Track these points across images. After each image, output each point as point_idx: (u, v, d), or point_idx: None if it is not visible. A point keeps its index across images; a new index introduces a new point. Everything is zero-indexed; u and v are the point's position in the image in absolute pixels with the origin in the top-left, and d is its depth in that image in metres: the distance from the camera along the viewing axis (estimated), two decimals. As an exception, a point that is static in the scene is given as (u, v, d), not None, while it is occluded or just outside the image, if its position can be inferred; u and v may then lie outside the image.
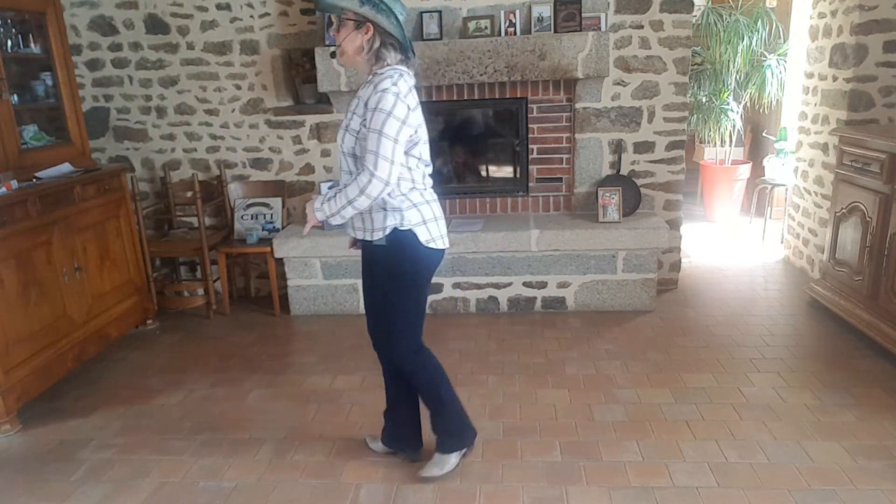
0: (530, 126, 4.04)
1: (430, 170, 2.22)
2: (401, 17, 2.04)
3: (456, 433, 2.41)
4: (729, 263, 4.72)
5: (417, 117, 2.08)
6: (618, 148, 4.01)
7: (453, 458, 2.40)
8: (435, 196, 2.24)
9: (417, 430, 2.49)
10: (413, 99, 2.06)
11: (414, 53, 2.14)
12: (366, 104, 2.01)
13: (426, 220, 2.16)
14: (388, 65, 2.06)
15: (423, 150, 2.15)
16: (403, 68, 2.08)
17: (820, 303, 3.72)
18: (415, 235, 2.13)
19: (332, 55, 2.23)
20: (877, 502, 2.17)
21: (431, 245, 2.17)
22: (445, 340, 3.57)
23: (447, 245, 2.25)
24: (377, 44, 2.04)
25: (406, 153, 2.08)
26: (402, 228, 2.11)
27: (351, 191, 2.01)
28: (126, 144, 4.36)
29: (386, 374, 2.45)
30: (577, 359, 3.30)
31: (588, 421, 2.73)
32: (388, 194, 2.06)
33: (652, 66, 3.89)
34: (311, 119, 4.16)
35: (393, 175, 2.00)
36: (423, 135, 2.14)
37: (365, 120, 2.00)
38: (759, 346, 3.34)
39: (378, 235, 2.13)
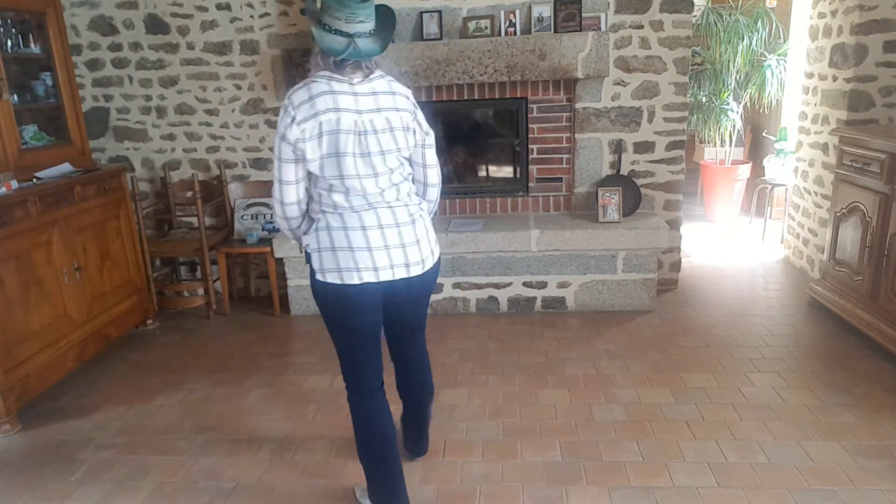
0: (530, 126, 4.04)
1: (348, 190, 1.89)
2: (335, 16, 1.80)
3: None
4: (729, 263, 4.72)
5: (310, 129, 1.81)
6: (618, 148, 4.01)
7: None
8: (363, 222, 1.91)
9: (419, 432, 2.46)
10: (309, 108, 1.81)
11: (355, 50, 1.84)
12: None
13: (321, 247, 1.91)
14: (313, 74, 1.90)
15: (329, 164, 1.85)
16: (325, 73, 1.87)
17: (820, 303, 3.71)
18: (311, 262, 1.96)
19: None
20: (877, 502, 2.17)
21: (319, 277, 1.92)
22: (445, 340, 3.57)
23: (350, 281, 1.90)
24: (316, 51, 1.89)
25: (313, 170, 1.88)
26: (308, 251, 1.97)
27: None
28: (126, 144, 4.36)
29: None
30: (577, 359, 3.30)
31: (588, 421, 2.73)
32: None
33: (652, 66, 3.89)
34: (311, 119, 4.16)
35: (285, 195, 1.91)
36: (334, 146, 1.84)
37: None
38: (759, 346, 3.34)
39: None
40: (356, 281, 1.91)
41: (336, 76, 1.87)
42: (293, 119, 1.81)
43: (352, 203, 1.91)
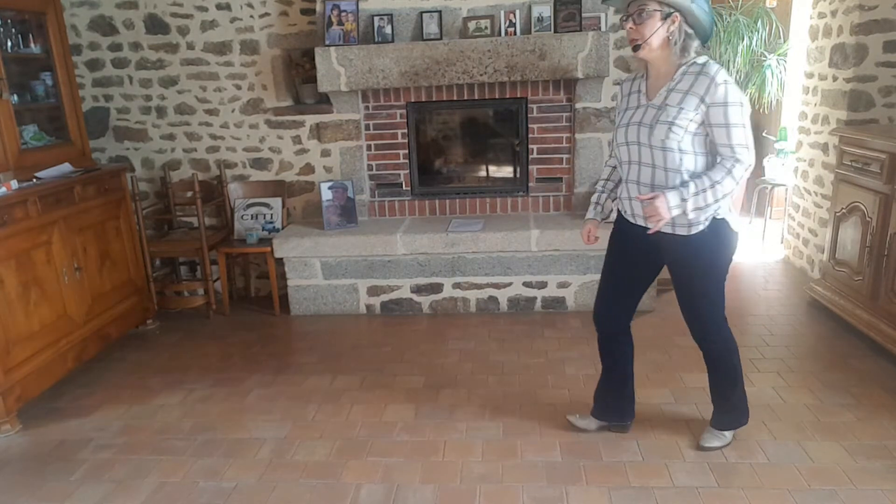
0: (530, 126, 4.04)
1: None
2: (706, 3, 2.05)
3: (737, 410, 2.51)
4: (729, 263, 4.71)
5: None
6: (618, 148, 4.00)
7: (728, 434, 2.51)
8: None
9: (633, 401, 2.63)
10: None
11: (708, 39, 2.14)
12: (701, 98, 2.04)
13: (731, 208, 2.33)
14: (693, 55, 2.08)
15: None
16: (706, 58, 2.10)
17: (820, 303, 3.71)
18: (727, 222, 2.30)
19: (636, 49, 2.07)
20: (877, 502, 2.17)
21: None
22: (445, 340, 3.57)
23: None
24: (684, 34, 2.05)
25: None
26: (719, 217, 2.26)
27: (727, 184, 2.11)
28: (126, 144, 4.36)
29: (608, 351, 2.57)
30: (577, 359, 3.30)
31: (588, 421, 2.73)
32: None
33: (652, 66, 3.88)
34: (311, 119, 4.16)
35: (753, 159, 2.14)
36: None
37: (700, 113, 2.05)
38: (759, 346, 3.34)
39: (701, 227, 2.24)
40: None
41: None
42: None
43: None
